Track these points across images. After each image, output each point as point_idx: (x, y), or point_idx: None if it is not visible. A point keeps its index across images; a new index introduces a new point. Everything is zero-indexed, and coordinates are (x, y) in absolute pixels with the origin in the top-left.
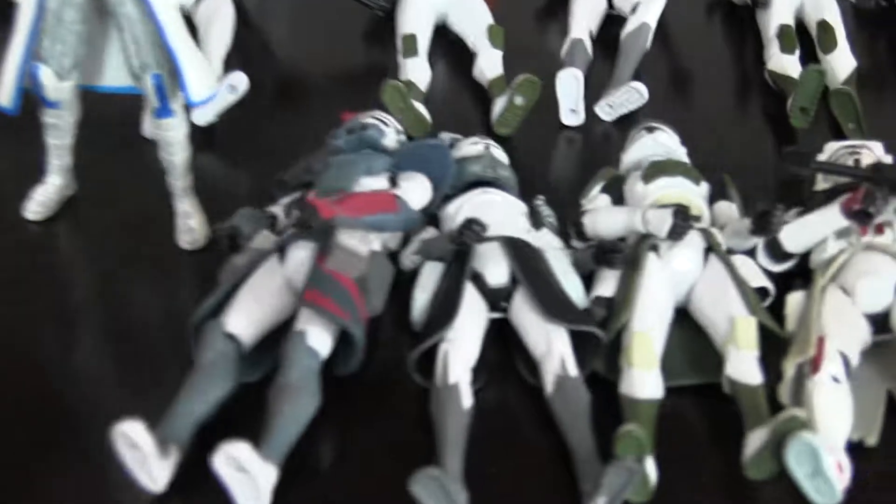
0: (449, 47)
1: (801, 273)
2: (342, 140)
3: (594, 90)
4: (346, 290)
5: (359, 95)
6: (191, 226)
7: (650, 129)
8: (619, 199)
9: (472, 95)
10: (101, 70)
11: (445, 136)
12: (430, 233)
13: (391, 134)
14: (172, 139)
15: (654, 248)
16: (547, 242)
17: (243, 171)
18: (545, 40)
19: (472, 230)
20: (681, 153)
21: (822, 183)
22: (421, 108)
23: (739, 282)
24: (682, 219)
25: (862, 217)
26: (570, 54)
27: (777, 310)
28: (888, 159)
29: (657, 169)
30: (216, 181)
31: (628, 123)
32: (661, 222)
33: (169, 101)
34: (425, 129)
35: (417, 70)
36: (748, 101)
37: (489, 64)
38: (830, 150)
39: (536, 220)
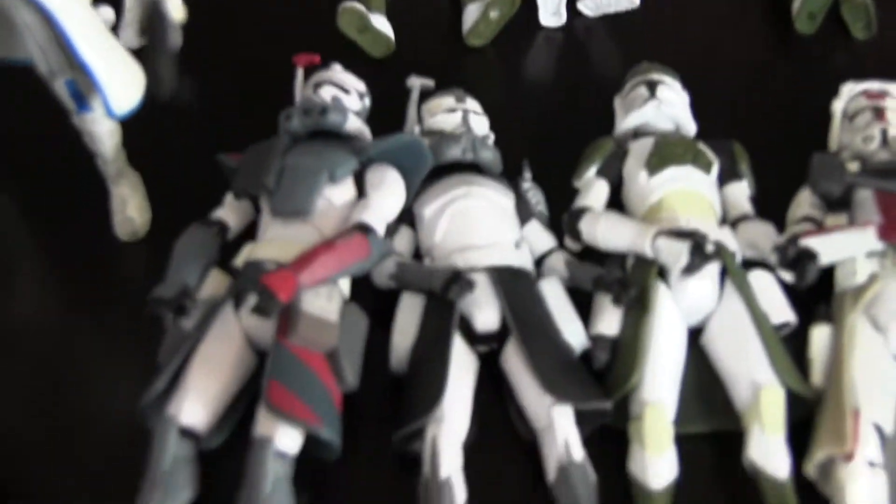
0: None
1: (825, 292)
2: (297, 122)
3: None
4: (314, 376)
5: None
6: (128, 215)
7: (651, 87)
8: (617, 181)
9: None
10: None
11: (415, 82)
12: (404, 237)
13: (353, 102)
14: (96, 132)
15: (662, 275)
16: (537, 241)
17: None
18: None
19: (459, 287)
20: (686, 119)
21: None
22: (382, 26)
23: (762, 328)
24: (700, 255)
25: None
26: None
27: (800, 339)
28: None
29: (663, 157)
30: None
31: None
32: (675, 257)
33: (87, 100)
34: (389, 48)
35: None
36: None
37: None
38: (847, 93)
39: (524, 211)
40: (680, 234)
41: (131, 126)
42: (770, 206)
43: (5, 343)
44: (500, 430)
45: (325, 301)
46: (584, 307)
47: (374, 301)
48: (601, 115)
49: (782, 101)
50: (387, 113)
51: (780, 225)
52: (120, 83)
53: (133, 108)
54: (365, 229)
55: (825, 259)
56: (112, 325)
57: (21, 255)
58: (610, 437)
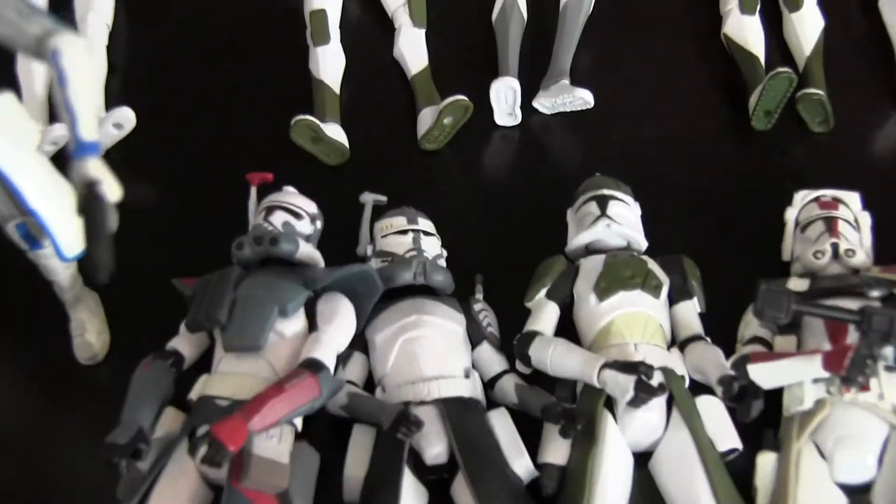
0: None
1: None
2: (248, 251)
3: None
4: None
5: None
6: (87, 339)
7: (602, 204)
8: (567, 303)
9: (395, 80)
10: None
11: (368, 198)
12: (357, 364)
13: (305, 227)
14: (51, 266)
15: (610, 403)
16: (488, 363)
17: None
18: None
19: (407, 427)
20: (636, 235)
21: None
22: (336, 135)
23: (707, 458)
24: (646, 389)
25: (846, 381)
26: (501, 17)
27: (745, 467)
28: (865, 219)
29: (612, 281)
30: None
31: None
32: (622, 391)
33: (39, 240)
34: (343, 155)
35: (329, 60)
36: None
37: (411, 49)
38: (800, 201)
39: (475, 334)
40: (626, 366)
41: None
42: (722, 318)
43: None
44: None
45: (277, 443)
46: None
47: (328, 427)
48: (560, 214)
49: (739, 203)
50: (344, 218)
51: (732, 335)
52: (70, 226)
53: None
54: (315, 367)
55: (772, 384)
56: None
57: None
58: None
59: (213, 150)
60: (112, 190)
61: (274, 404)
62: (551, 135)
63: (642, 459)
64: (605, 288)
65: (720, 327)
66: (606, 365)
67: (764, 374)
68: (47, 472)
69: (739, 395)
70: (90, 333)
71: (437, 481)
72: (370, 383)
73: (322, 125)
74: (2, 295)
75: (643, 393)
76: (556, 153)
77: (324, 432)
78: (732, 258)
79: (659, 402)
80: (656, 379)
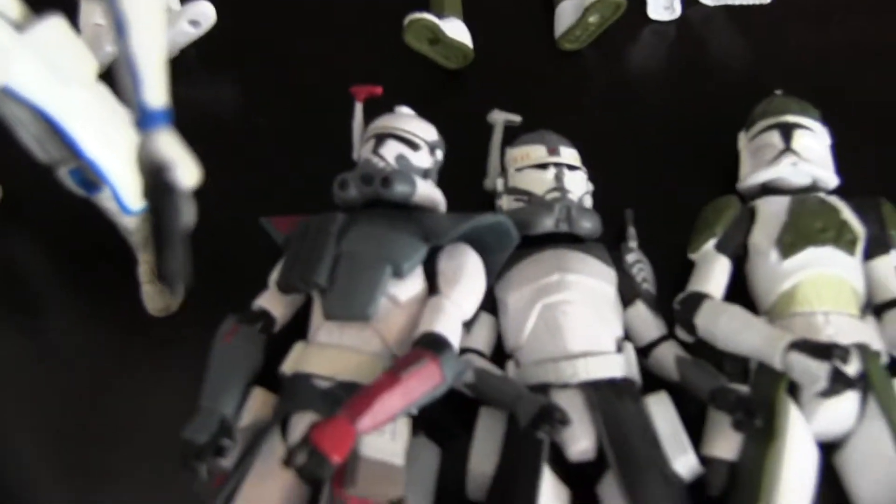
0: None
1: None
2: (354, 192)
3: None
4: None
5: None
6: (159, 289)
7: (787, 134)
8: (739, 255)
9: None
10: None
11: (498, 117)
12: (485, 327)
13: (423, 159)
14: (113, 208)
15: (792, 389)
16: (643, 327)
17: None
18: None
19: (551, 424)
20: (826, 172)
21: None
22: (458, 33)
23: None
24: (841, 381)
25: None
26: None
27: None
28: None
29: (800, 234)
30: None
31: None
32: (813, 380)
33: (96, 185)
34: (467, 58)
35: None
36: None
37: None
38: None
39: (628, 291)
40: (819, 350)
41: None
42: None
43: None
44: None
45: (390, 439)
46: None
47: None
48: (727, 136)
49: None
50: (467, 140)
51: None
52: (129, 180)
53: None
54: (438, 347)
55: None
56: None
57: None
58: None
59: (308, 57)
60: (188, 174)
61: (387, 399)
62: (715, 34)
63: (827, 450)
64: (790, 243)
65: None
66: (794, 345)
67: None
68: (119, 430)
69: None
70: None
71: (580, 477)
72: (499, 351)
73: (440, 22)
74: (65, 238)
75: (839, 384)
76: (720, 57)
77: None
78: None
79: (852, 394)
80: (853, 366)
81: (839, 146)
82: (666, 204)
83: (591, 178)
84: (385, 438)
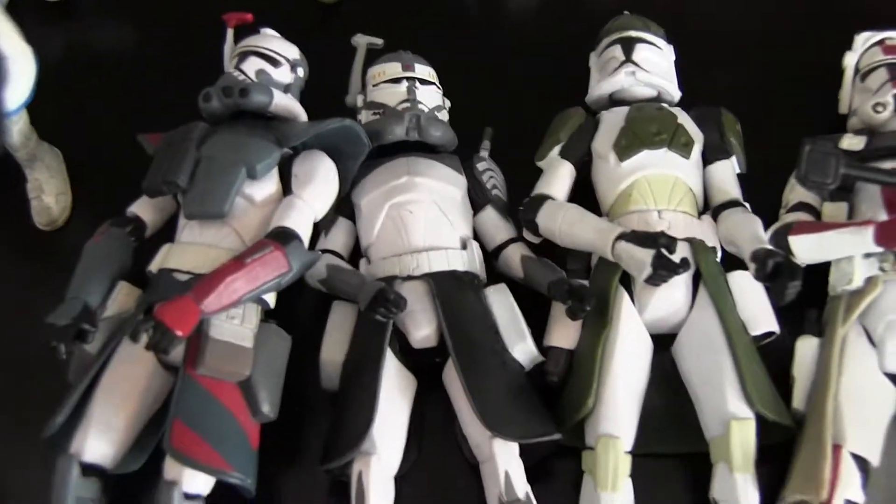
0: None
1: (817, 296)
2: (216, 103)
3: None
4: (225, 412)
5: None
6: (45, 202)
7: (628, 47)
8: (585, 162)
9: None
10: None
11: (361, 41)
12: (342, 231)
13: (283, 75)
14: None
15: (627, 282)
16: (492, 230)
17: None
18: None
19: (387, 308)
20: (668, 85)
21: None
22: None
23: (736, 347)
24: (665, 265)
25: None
26: None
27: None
28: None
29: (635, 138)
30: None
31: None
32: (639, 266)
33: None
34: None
35: None
36: None
37: None
38: (861, 44)
39: (479, 196)
40: (645, 238)
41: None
42: (766, 181)
43: None
44: (447, 449)
45: (239, 324)
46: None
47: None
48: (579, 53)
49: (792, 47)
50: (339, 66)
51: (777, 201)
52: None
53: (26, 99)
54: (284, 238)
55: (816, 258)
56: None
57: None
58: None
59: None
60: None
61: (231, 282)
62: None
63: (665, 343)
64: (626, 146)
65: (764, 192)
66: (622, 236)
67: (806, 247)
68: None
69: (774, 273)
70: (48, 196)
71: (429, 367)
72: (357, 253)
73: None
74: None
75: (662, 269)
76: None
77: (304, 309)
78: (781, 112)
79: (683, 279)
80: (680, 252)
81: (686, 63)
82: (525, 120)
83: (451, 94)
84: (234, 323)
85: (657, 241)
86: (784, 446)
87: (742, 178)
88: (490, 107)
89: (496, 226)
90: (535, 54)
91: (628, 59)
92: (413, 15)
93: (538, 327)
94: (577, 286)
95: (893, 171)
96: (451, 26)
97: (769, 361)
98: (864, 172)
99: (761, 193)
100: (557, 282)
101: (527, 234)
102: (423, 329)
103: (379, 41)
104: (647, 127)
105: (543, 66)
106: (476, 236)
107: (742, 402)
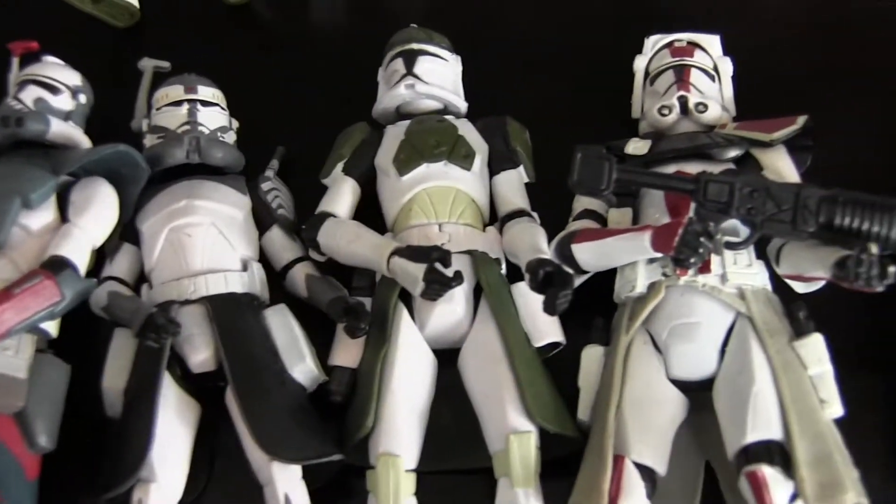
0: None
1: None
2: None
3: None
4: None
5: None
6: None
7: (410, 60)
8: (367, 179)
9: None
10: None
11: (148, 64)
12: (127, 257)
13: (64, 102)
14: None
15: (407, 298)
16: (279, 250)
17: None
18: None
19: (157, 332)
20: (453, 97)
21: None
22: None
23: (516, 360)
24: (438, 279)
25: (677, 261)
26: None
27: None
28: (725, 66)
29: (414, 151)
30: None
31: None
32: (412, 281)
33: None
34: (133, 17)
35: None
36: None
37: None
38: (651, 47)
39: (264, 217)
40: (417, 252)
41: None
42: (561, 191)
43: None
44: (242, 473)
45: (13, 355)
46: None
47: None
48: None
49: (586, 53)
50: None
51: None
52: None
53: None
54: (56, 267)
55: (600, 265)
56: None
57: None
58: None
59: None
60: None
61: (0, 313)
62: None
63: (453, 357)
64: (405, 159)
65: (558, 201)
66: (397, 251)
67: (589, 255)
68: None
69: (545, 282)
70: None
71: (215, 391)
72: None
73: None
74: None
75: (436, 283)
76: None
77: (95, 336)
78: (576, 119)
79: (463, 292)
80: (456, 266)
81: (475, 75)
82: (320, 138)
83: (243, 115)
84: (7, 354)
85: (429, 256)
86: (576, 458)
87: (536, 188)
88: (284, 126)
89: (282, 245)
90: (333, 72)
91: (409, 71)
92: (211, 35)
93: (328, 347)
94: (354, 304)
95: (673, 175)
96: (257, 46)
97: (560, 372)
98: (639, 177)
99: (556, 203)
100: (335, 300)
101: (312, 253)
102: (200, 353)
103: (166, 64)
104: (426, 139)
105: (340, 83)
106: (263, 256)
107: (521, 415)
